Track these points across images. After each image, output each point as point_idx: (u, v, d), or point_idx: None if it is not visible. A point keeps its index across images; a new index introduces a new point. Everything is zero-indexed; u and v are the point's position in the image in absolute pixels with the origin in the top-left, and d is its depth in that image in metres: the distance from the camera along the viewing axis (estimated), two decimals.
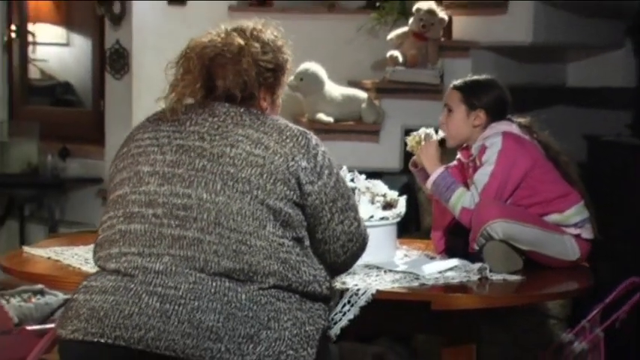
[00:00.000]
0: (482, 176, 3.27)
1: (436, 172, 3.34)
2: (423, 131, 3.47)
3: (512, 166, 3.27)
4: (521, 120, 3.44)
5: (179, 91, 2.57)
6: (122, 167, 2.56)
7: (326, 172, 2.52)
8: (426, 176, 3.43)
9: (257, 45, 2.58)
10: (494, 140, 3.31)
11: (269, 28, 2.65)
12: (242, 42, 2.57)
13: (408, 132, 5.00)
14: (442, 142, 3.44)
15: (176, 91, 2.57)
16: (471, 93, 3.42)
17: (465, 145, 3.43)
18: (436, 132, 3.46)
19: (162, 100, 2.58)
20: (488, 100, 3.41)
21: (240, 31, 2.61)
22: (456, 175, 3.45)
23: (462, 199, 3.27)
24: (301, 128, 2.57)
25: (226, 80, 2.55)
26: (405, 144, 3.59)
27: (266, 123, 2.52)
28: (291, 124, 2.56)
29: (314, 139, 2.55)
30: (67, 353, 2.48)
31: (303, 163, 2.48)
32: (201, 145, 2.48)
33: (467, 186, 3.38)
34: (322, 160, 2.52)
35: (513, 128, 3.37)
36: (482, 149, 3.34)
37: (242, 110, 2.53)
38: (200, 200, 2.43)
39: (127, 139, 2.63)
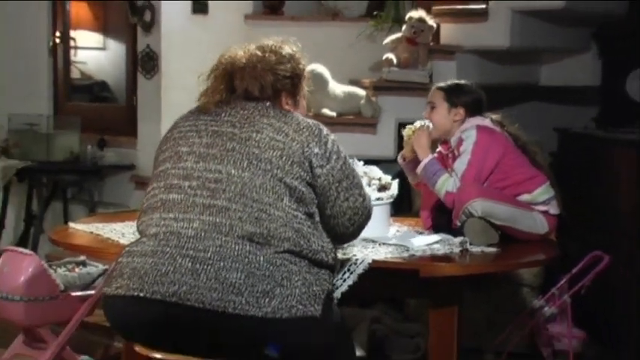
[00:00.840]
0: (461, 165, 3.33)
1: (426, 159, 3.40)
2: (418, 123, 3.52)
3: (485, 155, 3.33)
4: (494, 116, 3.50)
5: (209, 94, 2.67)
6: (165, 149, 2.66)
7: (334, 157, 2.60)
8: (413, 168, 3.50)
9: (273, 57, 2.69)
10: (469, 133, 3.37)
11: (287, 44, 2.75)
12: (260, 54, 2.68)
13: (401, 125, 5.07)
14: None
15: (206, 95, 2.68)
16: (452, 93, 3.48)
17: (444, 138, 3.50)
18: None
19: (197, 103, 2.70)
20: (466, 99, 3.47)
21: (260, 48, 2.71)
22: None
23: (446, 184, 3.33)
24: (315, 121, 2.66)
25: (244, 81, 2.64)
26: (401, 135, 3.65)
27: (287, 116, 2.61)
28: (307, 119, 2.65)
29: (325, 130, 2.64)
30: (111, 307, 2.55)
31: (316, 150, 2.56)
32: (233, 130, 2.56)
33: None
34: (331, 147, 2.60)
35: (487, 122, 3.43)
36: (460, 141, 3.40)
37: (268, 105, 2.63)
38: (229, 175, 2.50)
39: (171, 127, 2.73)
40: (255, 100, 2.64)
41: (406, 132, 3.54)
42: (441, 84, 3.56)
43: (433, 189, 3.38)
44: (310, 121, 2.65)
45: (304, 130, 2.59)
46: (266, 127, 2.57)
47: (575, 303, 4.39)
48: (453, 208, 3.29)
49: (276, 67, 2.68)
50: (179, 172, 2.57)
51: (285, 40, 2.77)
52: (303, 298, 2.44)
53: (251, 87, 2.64)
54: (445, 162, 3.48)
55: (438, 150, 3.56)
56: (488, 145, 3.35)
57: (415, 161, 3.49)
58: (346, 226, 2.67)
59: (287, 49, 2.73)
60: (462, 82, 3.58)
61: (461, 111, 3.45)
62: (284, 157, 2.52)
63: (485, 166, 3.32)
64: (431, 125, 3.48)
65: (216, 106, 2.65)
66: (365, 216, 2.70)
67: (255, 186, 2.49)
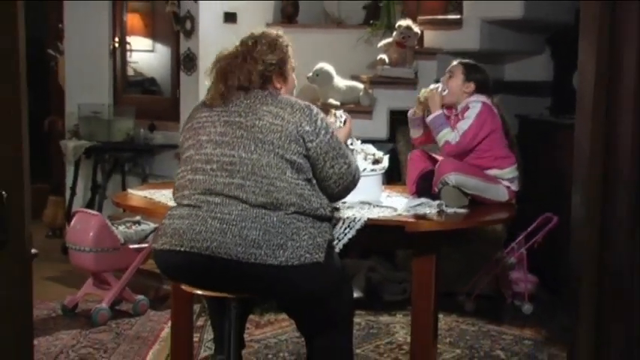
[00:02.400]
0: (464, 124, 3.33)
1: (436, 112, 3.40)
2: (433, 86, 3.49)
3: (483, 125, 3.33)
4: (494, 99, 3.51)
5: (212, 91, 2.65)
6: (188, 137, 2.65)
7: (322, 132, 2.58)
8: (418, 124, 3.50)
9: (264, 48, 2.64)
10: (476, 104, 3.37)
11: (272, 32, 2.71)
12: (247, 49, 2.64)
13: (392, 112, 5.10)
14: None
15: (211, 92, 2.65)
16: (469, 69, 3.46)
17: (450, 104, 3.48)
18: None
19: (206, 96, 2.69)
20: (478, 77, 3.45)
21: (251, 39, 2.68)
22: None
23: (447, 135, 3.34)
24: (306, 102, 2.63)
25: (236, 80, 2.60)
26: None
27: (282, 101, 2.59)
28: (299, 100, 2.62)
29: (315, 109, 2.61)
30: (159, 258, 2.60)
31: (307, 128, 2.55)
32: (239, 120, 2.55)
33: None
34: (320, 124, 2.58)
35: (490, 102, 3.43)
36: (466, 108, 3.39)
37: (266, 93, 2.61)
38: (241, 158, 2.50)
39: (189, 116, 2.72)
40: (253, 89, 2.61)
41: (421, 94, 3.49)
42: (463, 60, 3.52)
43: (436, 137, 3.38)
44: (302, 103, 2.62)
45: (297, 112, 2.56)
46: (266, 114, 2.55)
47: (530, 255, 4.47)
48: (434, 175, 3.30)
49: (264, 57, 2.63)
50: (201, 157, 2.57)
51: (271, 28, 2.74)
52: (309, 248, 2.47)
53: (243, 81, 2.60)
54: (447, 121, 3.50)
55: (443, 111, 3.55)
56: (487, 118, 3.34)
57: (421, 118, 3.48)
58: (332, 188, 2.64)
59: (273, 38, 2.69)
60: (479, 64, 3.54)
61: (472, 85, 3.43)
62: (282, 138, 2.52)
63: (480, 133, 3.33)
64: (445, 90, 3.45)
65: (222, 97, 2.61)
66: (349, 180, 2.66)
67: (263, 165, 2.49)
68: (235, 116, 2.57)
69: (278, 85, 2.69)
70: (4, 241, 1.49)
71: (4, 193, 1.46)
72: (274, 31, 2.74)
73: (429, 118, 3.41)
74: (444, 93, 3.45)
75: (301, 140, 2.54)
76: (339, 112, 3.12)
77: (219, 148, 2.55)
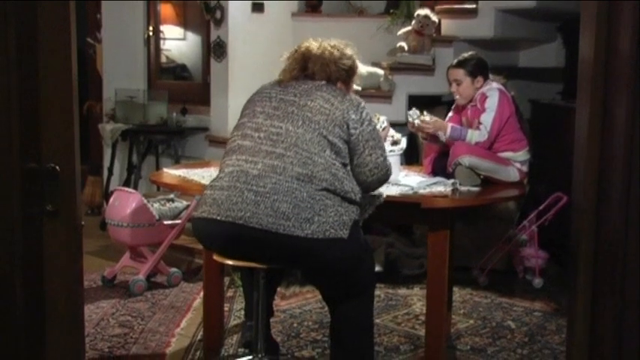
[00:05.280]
0: (488, 118, 3.36)
1: (448, 128, 3.42)
2: (413, 115, 3.48)
3: (502, 113, 3.35)
4: (502, 80, 3.52)
5: (285, 71, 2.78)
6: (247, 107, 2.78)
7: (366, 123, 2.67)
8: (432, 140, 3.52)
9: (338, 53, 2.78)
10: (493, 93, 3.38)
11: (348, 46, 2.84)
12: (329, 49, 2.78)
13: (411, 97, 5.12)
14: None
15: (284, 72, 2.78)
16: (469, 67, 3.46)
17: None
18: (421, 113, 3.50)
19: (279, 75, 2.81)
20: (479, 67, 3.46)
21: (331, 46, 2.81)
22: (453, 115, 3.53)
23: (474, 137, 3.35)
24: (356, 96, 2.75)
25: (315, 66, 2.74)
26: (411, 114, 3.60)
27: (335, 91, 2.70)
28: (350, 94, 2.74)
29: (362, 103, 2.72)
30: (198, 225, 2.68)
31: (353, 116, 2.64)
32: (294, 99, 2.66)
33: (461, 120, 3.49)
34: (365, 116, 2.68)
35: (503, 87, 3.45)
36: (484, 97, 3.39)
37: (322, 83, 2.73)
38: (287, 131, 2.60)
39: (256, 92, 2.83)
40: (316, 79, 2.74)
41: (420, 138, 3.55)
42: (455, 62, 3.49)
43: (464, 142, 3.37)
44: (353, 96, 2.74)
45: (346, 101, 2.67)
46: (318, 98, 2.66)
47: (541, 232, 4.50)
48: (448, 158, 3.34)
49: (339, 61, 2.77)
50: (252, 125, 2.69)
51: (347, 43, 2.86)
52: (334, 224, 2.53)
53: (318, 72, 2.73)
54: (459, 110, 3.52)
55: (452, 107, 3.57)
56: (505, 105, 3.37)
57: (432, 136, 3.51)
58: (367, 175, 2.69)
59: (347, 50, 2.83)
60: (467, 55, 3.53)
61: (480, 78, 3.45)
62: (329, 121, 2.61)
63: (502, 121, 3.36)
64: (427, 117, 3.46)
65: (288, 80, 2.76)
66: (383, 173, 2.72)
67: (306, 140, 2.58)
68: (291, 96, 2.69)
69: (339, 86, 2.80)
70: (57, 210, 1.59)
71: (57, 167, 1.56)
72: (354, 56, 2.85)
73: (447, 136, 3.41)
74: (431, 118, 3.44)
75: (345, 126, 2.63)
76: (382, 118, 3.19)
77: (270, 120, 2.65)
